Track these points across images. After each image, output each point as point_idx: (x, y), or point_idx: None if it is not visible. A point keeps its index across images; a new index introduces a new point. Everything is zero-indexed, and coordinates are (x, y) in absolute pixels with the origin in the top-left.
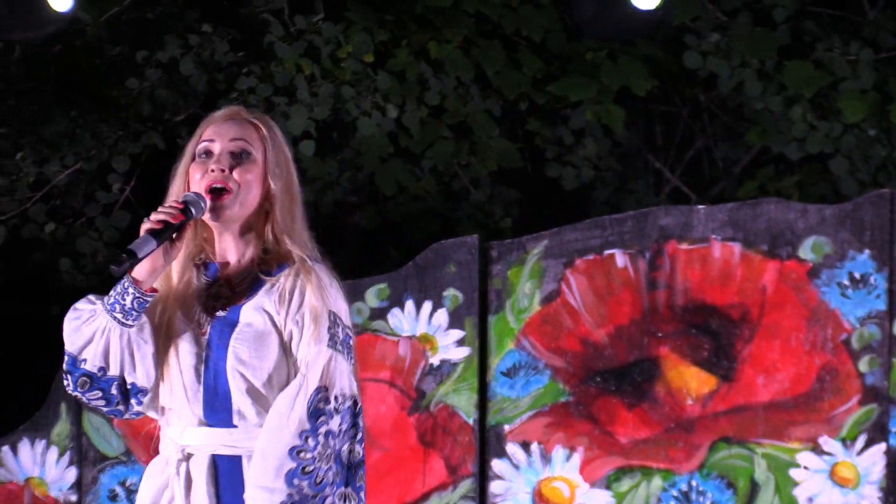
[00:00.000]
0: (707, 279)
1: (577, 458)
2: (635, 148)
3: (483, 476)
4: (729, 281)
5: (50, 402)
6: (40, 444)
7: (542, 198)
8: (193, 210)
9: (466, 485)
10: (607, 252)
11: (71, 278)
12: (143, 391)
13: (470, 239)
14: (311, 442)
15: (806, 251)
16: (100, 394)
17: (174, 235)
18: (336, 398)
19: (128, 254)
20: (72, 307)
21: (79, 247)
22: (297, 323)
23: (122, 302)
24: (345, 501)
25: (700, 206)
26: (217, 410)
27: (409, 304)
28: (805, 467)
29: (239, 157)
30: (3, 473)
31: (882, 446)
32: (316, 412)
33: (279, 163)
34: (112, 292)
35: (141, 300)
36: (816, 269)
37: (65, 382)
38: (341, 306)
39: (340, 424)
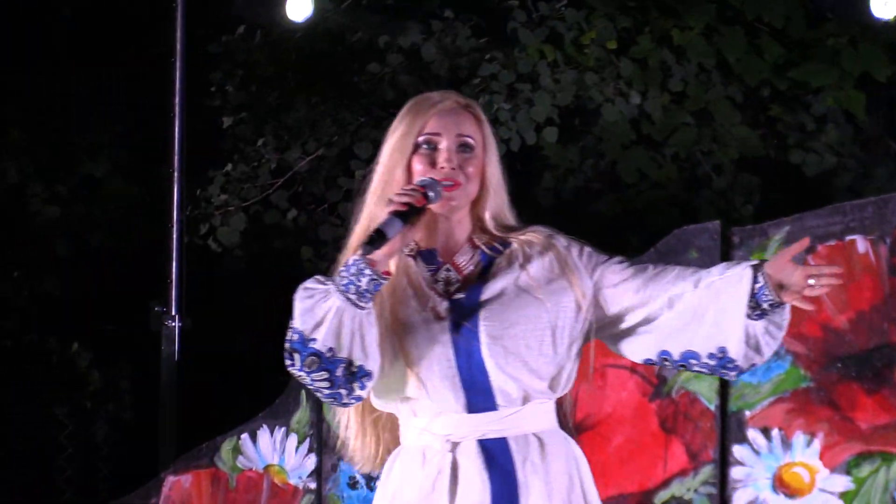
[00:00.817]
0: None
1: (817, 443)
2: (877, 134)
3: (724, 462)
4: None
5: (290, 390)
6: (280, 432)
7: (782, 184)
8: (432, 195)
9: (707, 471)
10: (848, 238)
11: (312, 266)
12: (369, 375)
13: (712, 225)
14: None
15: None
16: (325, 375)
17: (414, 218)
18: None
19: (378, 234)
20: (301, 286)
21: (320, 234)
22: (567, 272)
23: (358, 283)
24: None
25: None
26: (478, 395)
27: None
28: None
29: (464, 151)
30: (243, 461)
31: None
32: None
33: (493, 149)
34: (344, 273)
35: (377, 282)
36: None
37: (288, 362)
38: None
39: None
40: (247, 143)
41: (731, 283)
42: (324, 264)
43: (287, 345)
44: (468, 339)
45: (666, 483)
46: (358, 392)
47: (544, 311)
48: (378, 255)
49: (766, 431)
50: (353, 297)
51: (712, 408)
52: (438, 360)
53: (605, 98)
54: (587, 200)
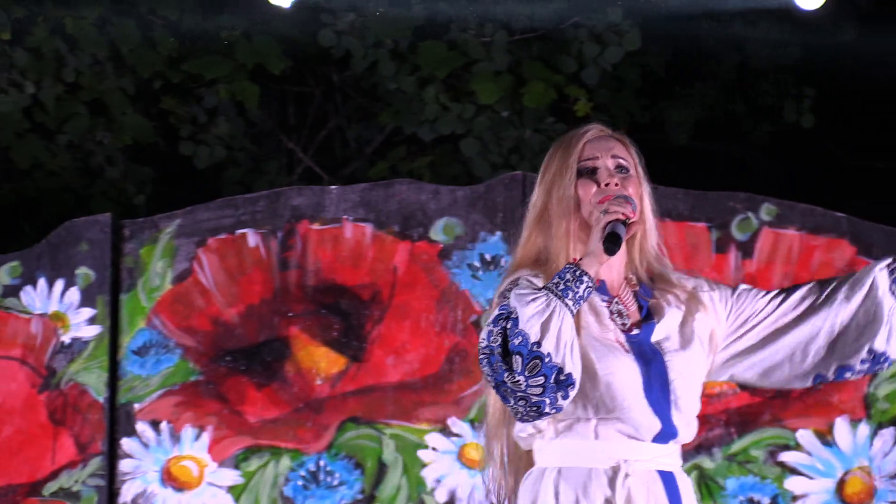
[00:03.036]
0: (338, 259)
1: (206, 437)
2: (268, 128)
3: (112, 454)
4: (360, 261)
5: None
6: None
7: (175, 176)
8: (633, 209)
9: (95, 463)
10: (239, 231)
11: None
12: (573, 385)
13: (102, 217)
14: None
15: (437, 232)
16: (542, 380)
17: (628, 229)
18: None
19: (615, 236)
20: (514, 290)
21: None
22: (716, 305)
23: (576, 289)
24: None
25: (332, 187)
26: (664, 427)
27: (42, 282)
28: (433, 448)
29: (622, 172)
30: None
31: None
32: None
33: (645, 179)
34: (557, 280)
35: (591, 289)
36: (447, 251)
37: (499, 366)
38: None
39: None
40: None
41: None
42: None
43: (498, 349)
44: (657, 376)
45: (55, 475)
46: (561, 402)
47: (700, 365)
48: (590, 263)
49: (154, 424)
50: (569, 302)
51: (101, 400)
52: (632, 387)
53: None
54: None
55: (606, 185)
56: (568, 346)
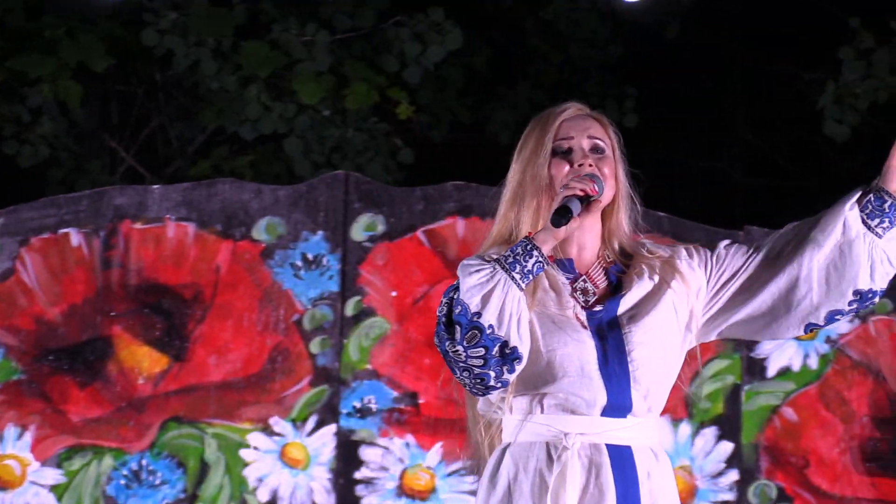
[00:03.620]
0: (161, 259)
1: (28, 436)
2: (91, 127)
3: None
4: (182, 261)
5: None
6: None
7: None
8: (598, 188)
9: None
10: (62, 231)
11: None
12: (520, 359)
13: None
14: None
15: (260, 232)
16: (482, 352)
17: (587, 206)
18: None
19: (565, 209)
20: (462, 263)
21: None
22: (694, 270)
23: (524, 263)
24: None
25: (155, 186)
26: (616, 400)
27: None
28: (255, 448)
29: (597, 152)
30: None
31: (332, 427)
32: None
33: (622, 159)
34: (508, 253)
35: (541, 265)
36: (270, 250)
37: (444, 335)
38: None
39: None
40: None
41: (838, 230)
42: None
43: (443, 318)
44: (613, 349)
45: None
46: (506, 375)
47: (672, 334)
48: (543, 238)
49: None
50: (517, 275)
51: None
52: (584, 362)
53: None
54: None
55: (580, 165)
56: (514, 319)
